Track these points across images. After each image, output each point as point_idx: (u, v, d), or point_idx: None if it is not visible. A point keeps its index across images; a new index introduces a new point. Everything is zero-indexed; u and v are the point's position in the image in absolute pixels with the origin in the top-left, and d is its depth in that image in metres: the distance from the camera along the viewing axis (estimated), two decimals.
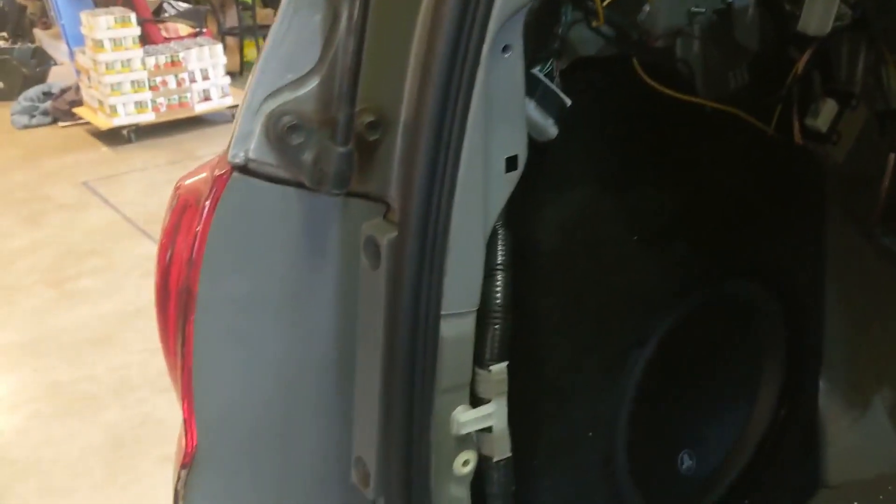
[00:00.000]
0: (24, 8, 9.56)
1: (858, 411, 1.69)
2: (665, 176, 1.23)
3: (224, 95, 6.44)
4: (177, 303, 0.95)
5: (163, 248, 0.98)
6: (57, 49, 8.11)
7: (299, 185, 0.93)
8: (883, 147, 1.69)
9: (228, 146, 0.91)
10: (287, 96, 0.90)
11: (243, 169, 0.91)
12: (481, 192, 0.93)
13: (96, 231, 4.98)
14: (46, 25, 9.08)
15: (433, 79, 0.82)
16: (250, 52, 7.87)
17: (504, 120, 0.94)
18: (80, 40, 6.25)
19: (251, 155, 0.90)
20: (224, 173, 0.91)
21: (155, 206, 5.21)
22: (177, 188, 0.99)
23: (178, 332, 0.95)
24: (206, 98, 6.36)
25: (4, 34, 9.01)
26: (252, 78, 0.91)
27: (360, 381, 1.02)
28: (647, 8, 1.28)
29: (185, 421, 0.97)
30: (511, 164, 0.97)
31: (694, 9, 1.36)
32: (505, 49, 0.90)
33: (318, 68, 0.90)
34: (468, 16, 0.81)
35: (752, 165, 1.37)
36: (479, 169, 0.91)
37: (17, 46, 8.08)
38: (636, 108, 1.28)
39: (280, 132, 0.89)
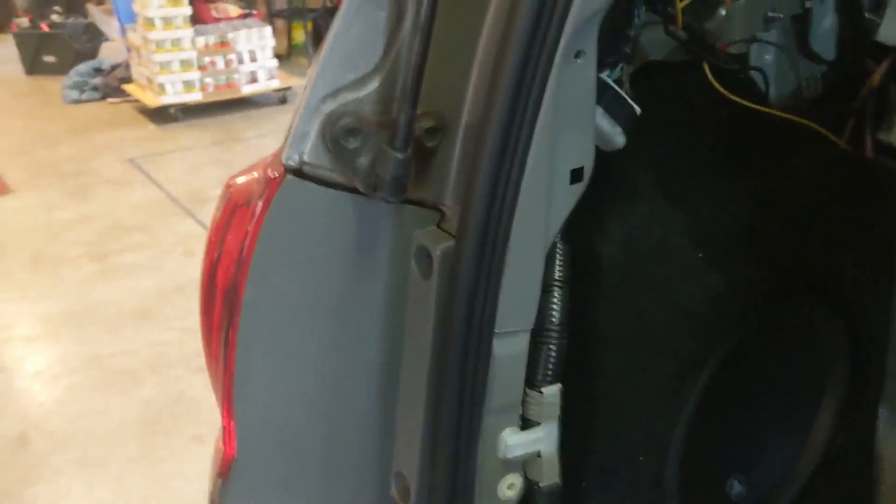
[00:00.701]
0: None
1: None
2: (733, 189, 1.17)
3: (271, 78, 6.45)
4: (222, 303, 0.92)
5: (211, 246, 0.94)
6: (109, 25, 8.21)
7: (353, 190, 0.89)
8: None
9: (283, 146, 0.88)
10: (347, 97, 0.85)
11: (297, 172, 0.87)
12: (544, 205, 0.88)
13: (141, 207, 5.03)
14: (99, 1, 9.19)
15: (503, 83, 0.77)
16: (298, 34, 7.87)
17: (572, 129, 0.89)
18: (131, 17, 6.30)
19: (306, 158, 0.87)
20: (278, 176, 0.87)
21: (199, 185, 5.25)
22: (228, 186, 0.95)
23: (221, 335, 0.92)
24: (253, 80, 6.38)
25: (58, 8, 9.14)
26: (310, 77, 0.86)
27: (405, 393, 0.98)
28: (722, 12, 1.22)
29: (223, 428, 0.94)
30: (576, 175, 0.92)
31: (771, 14, 1.29)
32: (578, 54, 0.85)
33: (379, 68, 0.86)
34: (543, 19, 0.76)
35: (822, 180, 1.30)
36: (544, 180, 0.86)
37: (69, 21, 8.18)
38: (705, 116, 1.22)
39: (337, 135, 0.85)
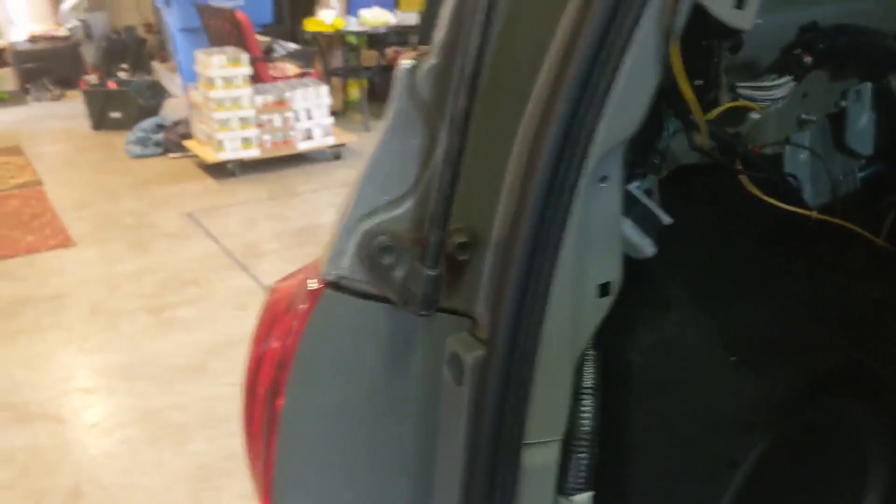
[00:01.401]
0: (143, 41, 10.14)
1: None
2: (766, 292, 1.18)
3: (326, 135, 6.62)
4: (263, 407, 0.96)
5: (255, 351, 1.00)
6: (172, 81, 8.55)
7: (388, 300, 0.93)
8: None
9: (323, 261, 0.93)
10: (382, 217, 0.90)
11: (335, 285, 0.92)
12: (571, 317, 0.91)
13: (196, 260, 5.17)
14: (164, 58, 9.59)
15: (528, 208, 0.82)
16: (353, 92, 8.08)
17: (599, 247, 0.93)
18: (193, 76, 6.56)
19: (344, 273, 0.92)
20: (318, 287, 0.92)
21: (254, 239, 5.39)
22: (273, 290, 1.01)
23: (262, 440, 0.96)
24: (309, 137, 6.55)
25: (125, 66, 9.56)
26: (349, 197, 0.92)
27: (439, 500, 1.01)
28: (753, 116, 1.25)
29: None
30: (604, 289, 0.95)
31: (804, 116, 1.31)
32: (603, 179, 0.89)
33: (413, 191, 0.91)
34: (567, 150, 0.80)
35: (858, 279, 1.30)
36: (570, 294, 0.90)
37: (135, 79, 8.54)
38: (738, 219, 1.24)
39: (373, 252, 0.90)
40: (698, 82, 1.03)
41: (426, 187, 0.90)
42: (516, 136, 0.86)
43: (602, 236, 0.92)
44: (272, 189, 6.33)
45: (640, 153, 1.10)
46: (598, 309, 0.95)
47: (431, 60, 0.89)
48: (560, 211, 0.83)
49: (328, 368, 0.95)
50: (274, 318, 0.97)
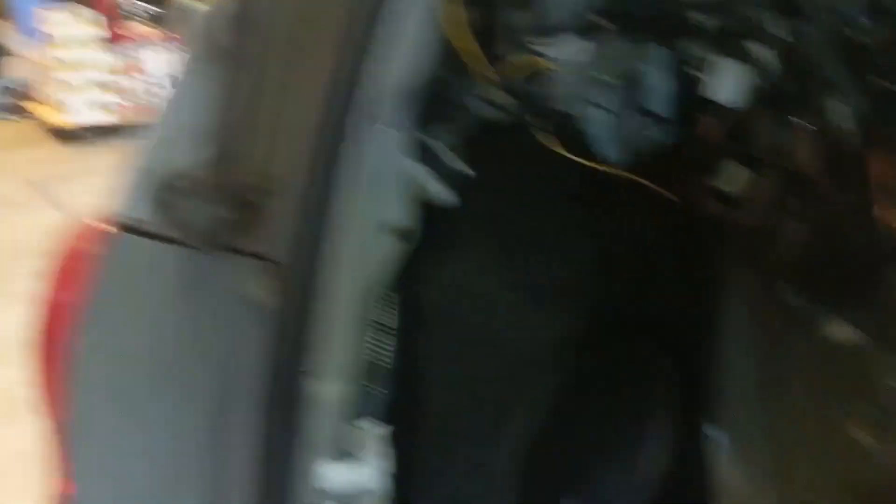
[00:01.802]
0: None
1: (748, 462, 1.74)
2: (564, 241, 1.28)
3: None
4: (56, 351, 0.97)
5: (50, 296, 0.99)
6: (15, 40, 7.99)
7: (184, 243, 0.95)
8: (789, 211, 1.76)
9: (118, 204, 0.94)
10: (179, 161, 0.92)
11: (132, 228, 0.93)
12: (362, 259, 0.96)
13: (42, 232, 4.91)
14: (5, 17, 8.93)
15: (309, 152, 0.86)
16: None
17: (388, 192, 0.98)
18: (35, 33, 6.17)
19: (140, 215, 0.93)
20: (112, 230, 0.93)
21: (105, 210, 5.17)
22: (64, 237, 1.00)
23: (56, 383, 0.97)
24: None
25: None
26: (146, 141, 0.93)
27: (235, 434, 1.04)
28: (550, 76, 1.33)
29: (61, 477, 0.98)
30: (396, 232, 1.01)
31: (602, 77, 1.41)
32: (385, 123, 0.94)
33: (210, 135, 0.93)
34: (343, 94, 0.85)
35: (651, 231, 1.42)
36: (359, 237, 0.95)
37: None
38: (539, 174, 1.32)
39: (170, 195, 0.92)
40: (489, 39, 1.10)
41: (223, 132, 0.92)
42: (302, 81, 0.89)
43: (391, 181, 0.97)
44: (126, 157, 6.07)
45: (439, 105, 1.16)
46: (390, 252, 1.01)
47: (227, 7, 0.91)
48: (340, 155, 0.87)
49: (124, 314, 0.96)
50: (70, 263, 0.97)
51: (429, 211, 1.13)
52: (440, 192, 1.09)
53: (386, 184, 0.97)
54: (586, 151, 1.38)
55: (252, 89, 0.85)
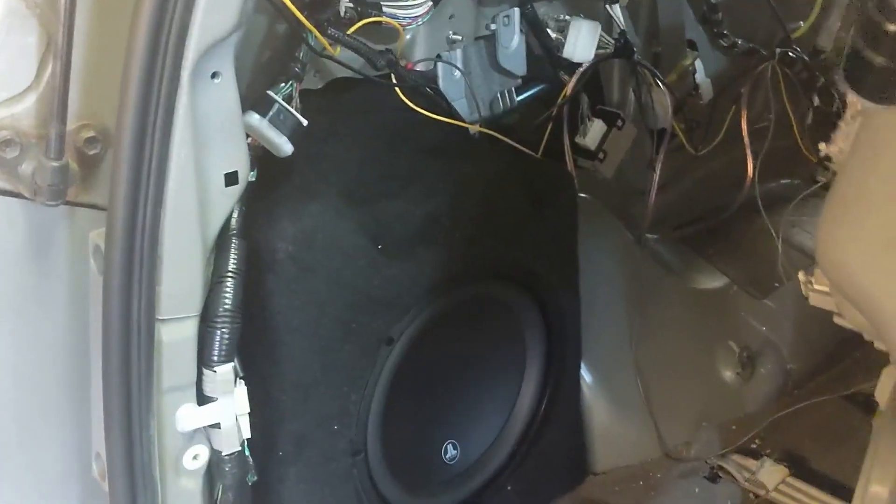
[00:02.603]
0: None
1: (621, 402, 1.86)
2: (419, 189, 1.34)
3: None
4: None
5: None
6: None
7: (20, 195, 0.98)
8: (646, 162, 1.87)
9: None
10: (3, 112, 0.95)
11: None
12: (196, 205, 1.01)
13: None
14: None
15: (130, 101, 0.90)
16: None
17: (221, 139, 1.02)
18: None
19: None
20: None
21: None
22: None
23: None
24: None
25: None
26: None
27: (93, 380, 1.08)
28: (407, 35, 1.39)
29: None
30: (231, 179, 1.05)
31: (453, 36, 1.48)
32: (214, 75, 0.98)
33: (33, 87, 0.96)
34: (161, 45, 0.89)
35: (507, 180, 1.49)
36: (192, 183, 0.99)
37: None
38: (392, 126, 1.38)
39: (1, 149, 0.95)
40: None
41: (47, 84, 0.95)
42: (122, 32, 0.92)
43: (223, 129, 1.02)
44: None
45: (282, 62, 1.21)
46: (226, 197, 1.06)
47: None
48: (163, 105, 0.91)
49: None
50: None
51: (276, 162, 1.18)
52: (283, 143, 1.14)
53: (223, 133, 1.01)
54: (438, 108, 1.45)
55: (67, 39, 0.88)
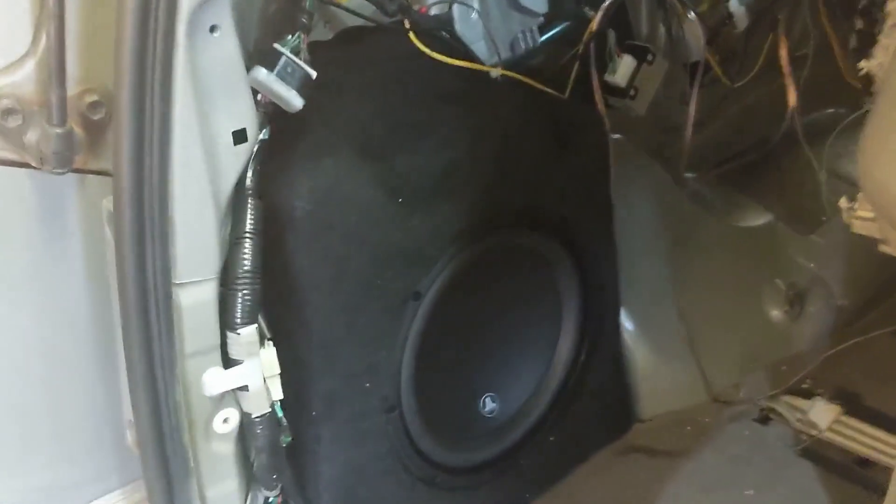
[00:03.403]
0: None
1: (665, 347, 1.81)
2: (434, 140, 1.30)
3: None
4: None
5: None
6: None
7: (27, 164, 0.97)
8: (680, 98, 1.79)
9: None
10: (2, 81, 0.93)
11: None
12: (205, 165, 0.98)
13: None
14: None
15: (125, 60, 0.87)
16: None
17: (226, 95, 0.99)
18: None
19: None
20: None
21: None
22: None
23: None
24: None
25: None
26: None
27: (119, 348, 1.08)
28: None
29: None
30: (239, 136, 1.02)
31: None
32: (213, 29, 0.95)
33: (31, 52, 0.93)
34: (151, 1, 0.85)
35: (530, 124, 1.44)
36: (198, 143, 0.96)
37: None
38: (411, 74, 1.33)
39: (3, 118, 0.93)
40: None
41: (45, 48, 0.93)
42: None
43: (227, 85, 0.99)
44: None
45: (287, 14, 1.16)
46: (236, 156, 1.03)
47: None
48: (160, 62, 0.88)
49: None
50: None
51: (289, 118, 1.14)
52: (293, 97, 1.10)
53: (227, 89, 0.98)
54: (456, 53, 1.39)
55: (57, 3, 0.86)
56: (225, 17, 0.95)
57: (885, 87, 0.88)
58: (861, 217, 1.02)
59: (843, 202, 1.07)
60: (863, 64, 0.99)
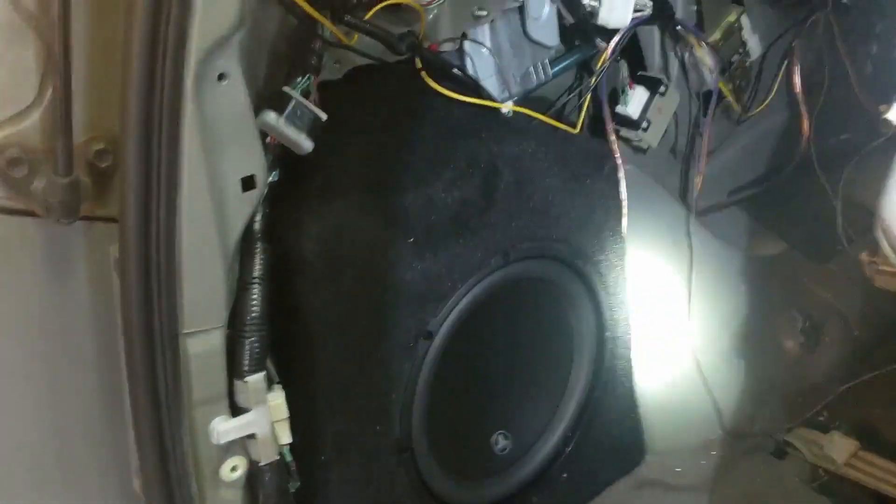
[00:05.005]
0: None
1: (678, 379, 1.78)
2: (446, 176, 1.28)
3: None
4: None
5: None
6: None
7: (33, 213, 0.96)
8: (693, 128, 1.77)
9: None
10: (8, 130, 0.92)
11: None
12: (212, 213, 0.97)
13: None
14: None
15: (132, 111, 0.86)
16: None
17: (234, 143, 0.98)
18: None
19: None
20: None
21: None
22: None
23: None
24: None
25: None
26: None
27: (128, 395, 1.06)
28: (428, 15, 1.32)
29: None
30: (248, 183, 1.01)
31: (477, 11, 1.40)
32: (221, 77, 0.94)
33: (37, 101, 0.92)
34: (159, 50, 0.84)
35: (541, 159, 1.42)
36: (206, 191, 0.95)
37: None
38: (417, 112, 1.32)
39: (3, 165, 0.92)
40: None
41: (50, 98, 0.92)
42: (119, 37, 0.88)
43: (234, 133, 0.97)
44: None
45: (296, 55, 1.16)
46: (244, 202, 1.01)
47: None
48: (167, 112, 0.87)
49: None
50: None
51: (298, 160, 1.13)
52: (302, 140, 1.09)
53: (235, 136, 0.97)
54: (472, 87, 1.38)
55: (64, 48, 0.85)
56: (233, 66, 0.94)
57: None
58: (884, 271, 0.99)
59: (863, 257, 1.05)
60: (883, 110, 0.97)
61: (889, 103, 0.94)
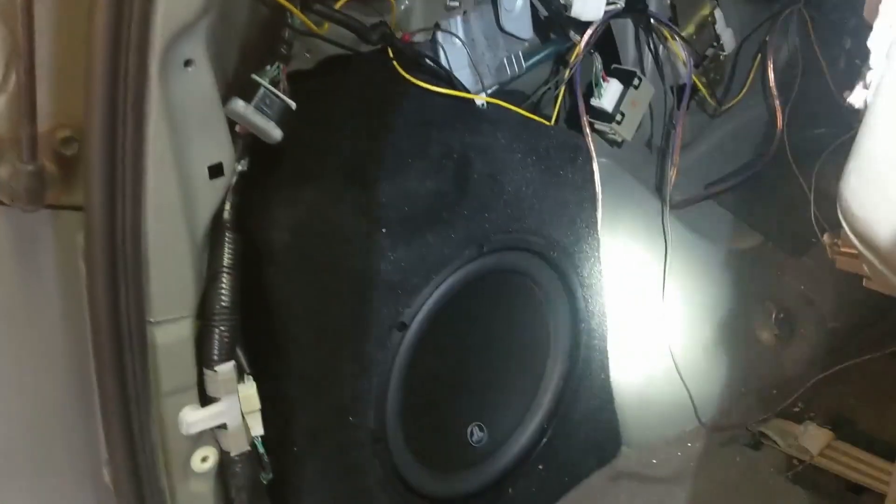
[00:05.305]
0: None
1: (653, 371, 1.79)
2: (419, 167, 1.28)
3: None
4: None
5: None
6: None
7: (5, 204, 0.95)
8: (667, 121, 1.78)
9: None
10: None
11: None
12: (179, 201, 0.96)
13: None
14: None
15: (96, 97, 0.85)
16: None
17: (201, 130, 0.97)
18: None
19: None
20: None
21: None
22: None
23: None
24: None
25: None
26: None
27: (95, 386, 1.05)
28: (399, 5, 1.32)
29: None
30: (216, 170, 1.01)
31: (450, 2, 1.40)
32: (187, 63, 0.93)
33: (1, 88, 0.92)
34: (123, 36, 0.84)
35: (515, 150, 1.42)
36: (172, 178, 0.95)
37: None
38: (394, 101, 1.32)
39: None
40: None
41: (14, 84, 0.91)
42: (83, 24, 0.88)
43: (200, 120, 0.97)
44: None
45: (267, 45, 1.15)
46: (212, 190, 1.01)
47: None
48: (132, 98, 0.87)
49: None
50: None
51: (269, 149, 1.13)
52: (271, 128, 1.09)
53: (202, 123, 0.97)
54: (445, 78, 1.38)
55: (27, 36, 0.84)
56: (199, 52, 0.94)
57: (868, 121, 0.87)
58: (844, 253, 1.00)
59: (826, 238, 1.06)
60: (846, 95, 0.98)
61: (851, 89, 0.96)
